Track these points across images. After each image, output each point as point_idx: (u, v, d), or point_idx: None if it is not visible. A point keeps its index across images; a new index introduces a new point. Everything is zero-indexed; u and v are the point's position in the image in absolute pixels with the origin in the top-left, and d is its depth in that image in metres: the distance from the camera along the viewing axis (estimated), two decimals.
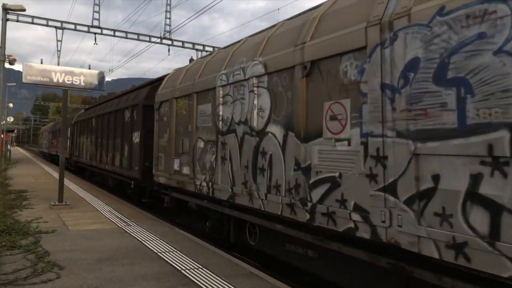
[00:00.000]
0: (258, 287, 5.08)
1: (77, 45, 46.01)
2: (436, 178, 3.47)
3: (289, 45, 5.50)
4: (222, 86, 7.09)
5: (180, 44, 28.62)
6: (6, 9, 13.07)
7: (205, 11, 23.74)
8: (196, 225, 8.92)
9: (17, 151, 60.32)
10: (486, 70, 3.13)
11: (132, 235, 7.75)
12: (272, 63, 5.77)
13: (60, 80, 10.70)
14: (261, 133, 5.98)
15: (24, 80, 10.37)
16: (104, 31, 26.08)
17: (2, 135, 26.57)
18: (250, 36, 7.53)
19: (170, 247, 6.92)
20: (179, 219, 9.94)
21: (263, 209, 5.78)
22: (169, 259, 6.14)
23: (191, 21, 26.75)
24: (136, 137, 11.88)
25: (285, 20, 6.66)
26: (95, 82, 11.26)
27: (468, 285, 3.29)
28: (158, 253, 6.47)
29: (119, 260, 6.04)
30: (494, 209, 3.04)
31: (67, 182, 15.69)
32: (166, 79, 10.34)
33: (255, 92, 6.12)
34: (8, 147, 38.86)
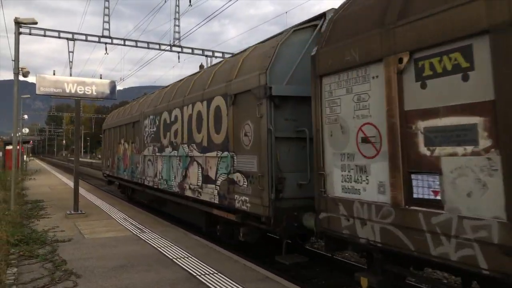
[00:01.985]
0: None
1: (89, 56, 46.60)
2: None
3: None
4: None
5: (190, 51, 28.79)
6: (18, 23, 13.35)
7: (213, 17, 23.84)
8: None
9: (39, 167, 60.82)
10: None
11: (147, 242, 7.79)
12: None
13: (73, 91, 10.85)
14: None
15: (37, 92, 10.53)
16: (115, 41, 26.37)
17: (18, 147, 26.98)
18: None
19: (185, 252, 6.94)
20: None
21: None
22: (183, 265, 6.16)
23: (200, 27, 26.90)
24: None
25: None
26: (107, 91, 11.38)
27: None
28: (173, 259, 6.49)
29: (134, 267, 6.07)
30: None
31: (81, 191, 15.87)
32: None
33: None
34: (25, 158, 39.43)
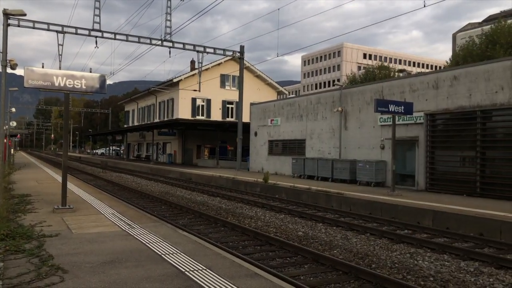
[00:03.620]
0: (263, 287, 5.07)
1: (79, 49, 46.13)
2: None
3: None
4: None
5: (181, 46, 28.65)
6: (7, 14, 13.10)
7: (205, 13, 23.73)
8: None
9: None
10: None
11: (136, 238, 7.74)
12: None
13: (62, 84, 10.69)
14: None
15: (25, 85, 10.36)
16: (105, 35, 26.13)
17: (5, 140, 26.64)
18: None
19: (174, 248, 6.92)
20: None
21: None
22: (172, 261, 6.14)
23: (191, 22, 26.78)
24: None
25: None
26: (97, 85, 11.24)
27: None
28: (162, 255, 6.47)
29: (122, 263, 6.03)
30: None
31: (70, 185, 15.72)
32: None
33: None
34: (12, 151, 38.91)
